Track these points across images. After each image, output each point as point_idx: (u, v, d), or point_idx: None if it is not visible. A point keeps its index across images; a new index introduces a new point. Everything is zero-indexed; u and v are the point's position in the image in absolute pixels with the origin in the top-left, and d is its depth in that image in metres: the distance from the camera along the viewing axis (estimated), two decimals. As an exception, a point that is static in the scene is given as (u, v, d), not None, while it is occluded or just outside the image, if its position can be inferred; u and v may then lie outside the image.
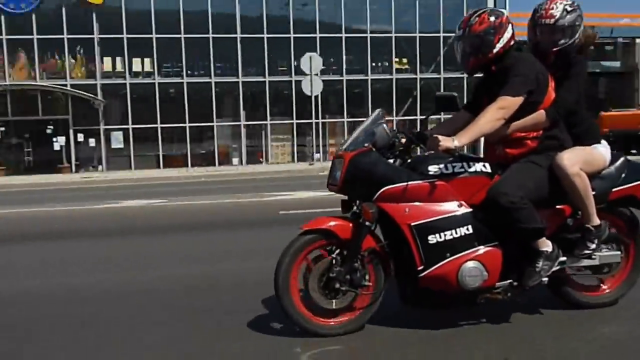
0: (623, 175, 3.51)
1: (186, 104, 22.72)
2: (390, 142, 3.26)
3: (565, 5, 3.37)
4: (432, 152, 3.14)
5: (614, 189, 3.48)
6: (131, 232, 7.48)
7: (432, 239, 3.14)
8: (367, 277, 3.26)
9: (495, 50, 3.24)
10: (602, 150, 3.45)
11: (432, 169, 3.20)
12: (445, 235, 3.15)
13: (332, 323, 3.25)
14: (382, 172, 3.16)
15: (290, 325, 3.26)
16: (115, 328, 3.60)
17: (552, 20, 3.35)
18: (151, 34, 22.16)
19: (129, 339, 3.41)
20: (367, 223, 3.18)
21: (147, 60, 22.72)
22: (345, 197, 3.36)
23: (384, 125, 3.27)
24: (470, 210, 3.20)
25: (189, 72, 22.85)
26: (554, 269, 3.33)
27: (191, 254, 5.81)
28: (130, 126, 22.43)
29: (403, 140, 3.28)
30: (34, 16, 21.50)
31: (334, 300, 3.22)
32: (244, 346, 3.20)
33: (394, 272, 3.35)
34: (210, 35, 22.61)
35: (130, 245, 6.56)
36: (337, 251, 3.22)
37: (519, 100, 3.15)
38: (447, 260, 3.16)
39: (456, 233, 3.17)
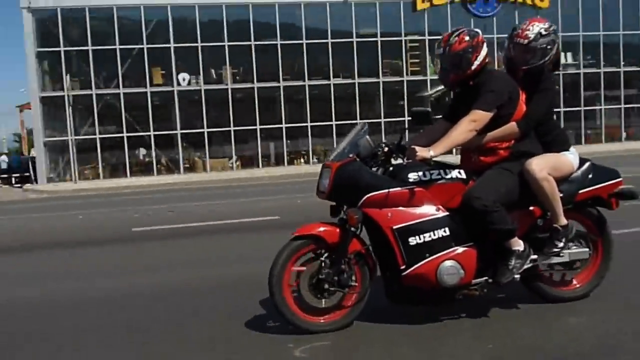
0: (589, 178, 3.80)
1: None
2: (373, 153, 3.54)
3: (542, 28, 3.65)
4: (410, 160, 3.41)
5: (580, 191, 3.77)
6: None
7: (413, 240, 3.42)
8: (353, 277, 3.53)
9: (473, 67, 3.53)
10: (570, 157, 3.73)
11: (412, 176, 3.48)
12: (424, 237, 3.43)
13: (322, 321, 3.53)
14: (366, 180, 3.43)
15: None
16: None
17: (526, 41, 3.64)
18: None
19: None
20: (352, 228, 3.46)
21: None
22: (333, 203, 3.64)
23: (367, 137, 3.55)
24: (447, 213, 3.48)
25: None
26: (526, 266, 3.61)
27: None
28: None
29: (385, 151, 3.55)
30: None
31: (323, 300, 3.50)
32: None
33: (380, 271, 3.62)
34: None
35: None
36: (326, 254, 3.49)
37: (490, 114, 3.44)
38: (426, 260, 3.43)
39: (434, 235, 3.44)
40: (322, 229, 3.50)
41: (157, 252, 6.79)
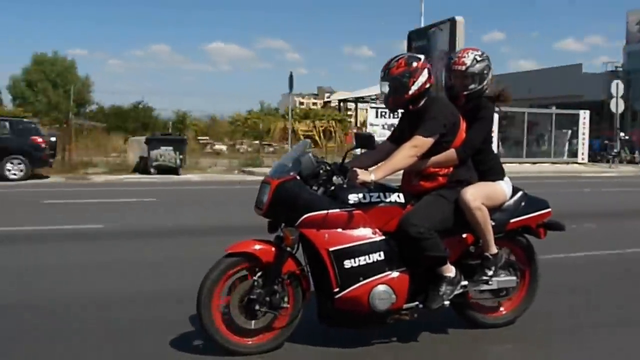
0: (521, 207, 3.91)
1: None
2: (314, 172, 3.49)
3: (476, 55, 3.76)
4: (351, 182, 3.38)
5: (511, 220, 3.86)
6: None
7: (348, 263, 3.38)
8: (285, 299, 3.45)
9: (410, 92, 3.54)
10: (504, 186, 3.82)
11: (352, 198, 3.45)
12: (359, 260, 3.40)
13: (250, 342, 3.42)
14: (305, 199, 3.37)
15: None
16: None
17: (464, 67, 3.72)
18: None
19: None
20: (288, 248, 3.39)
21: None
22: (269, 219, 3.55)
23: (310, 154, 3.50)
24: (383, 237, 3.47)
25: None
26: (456, 292, 3.65)
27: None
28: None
29: (327, 170, 3.51)
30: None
31: (253, 321, 3.40)
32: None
33: (314, 292, 3.57)
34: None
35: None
36: (259, 273, 3.39)
37: (431, 140, 3.47)
38: (360, 283, 3.40)
39: (369, 258, 3.42)
40: (257, 246, 3.41)
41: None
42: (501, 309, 4.03)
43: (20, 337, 3.74)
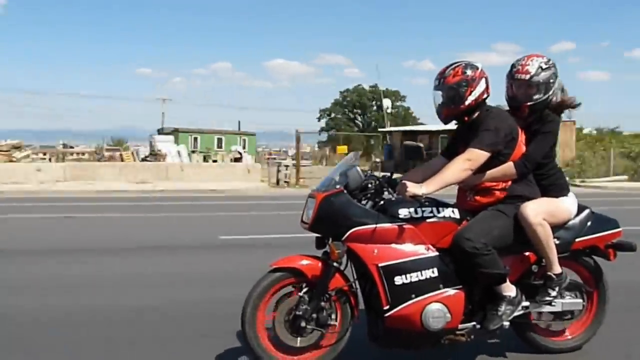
0: (587, 226, 3.63)
1: None
2: (363, 185, 3.37)
3: (541, 62, 3.51)
4: (400, 196, 3.24)
5: (577, 239, 3.59)
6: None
7: (399, 280, 3.23)
8: (333, 316, 3.32)
9: (467, 103, 3.37)
10: (568, 203, 3.57)
11: (403, 212, 3.31)
12: (411, 276, 3.24)
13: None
14: (352, 213, 3.25)
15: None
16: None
17: (528, 76, 3.49)
18: None
19: None
20: (335, 263, 3.27)
21: None
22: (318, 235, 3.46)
23: (357, 168, 3.38)
24: (436, 253, 3.30)
25: None
26: (517, 313, 3.42)
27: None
28: None
29: (375, 184, 3.39)
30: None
31: (299, 338, 3.28)
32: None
33: (365, 309, 3.43)
34: None
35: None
36: (306, 289, 3.29)
37: (486, 154, 3.28)
38: (412, 301, 3.24)
39: (422, 275, 3.25)
40: (303, 262, 3.31)
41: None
42: (566, 333, 3.75)
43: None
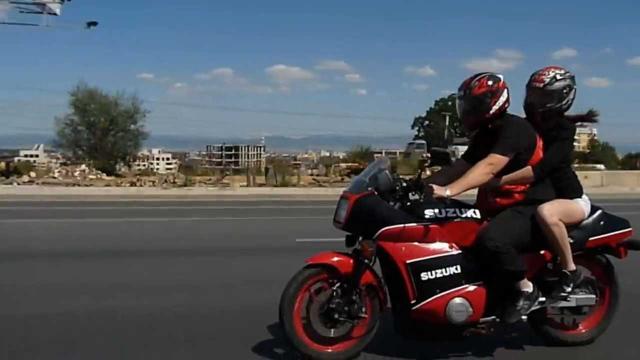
0: (600, 226, 3.88)
1: None
2: (391, 187, 3.62)
3: (557, 73, 3.78)
4: (427, 198, 3.50)
5: (590, 238, 3.84)
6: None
7: (425, 276, 3.48)
8: (363, 309, 3.57)
9: (491, 112, 3.63)
10: (582, 204, 3.81)
11: (428, 213, 3.56)
12: (436, 273, 3.49)
13: (330, 350, 3.56)
14: (383, 213, 3.51)
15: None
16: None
17: (541, 85, 3.76)
18: None
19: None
20: (365, 260, 3.53)
21: None
22: (348, 233, 3.71)
23: (387, 171, 3.64)
24: (460, 251, 3.55)
25: None
26: (533, 308, 3.66)
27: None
28: None
29: (403, 186, 3.64)
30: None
31: (332, 329, 3.54)
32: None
33: (391, 304, 3.68)
34: None
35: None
36: (338, 284, 3.54)
37: (507, 158, 3.53)
38: (436, 295, 3.49)
39: (446, 272, 3.51)
40: (335, 258, 3.56)
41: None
42: (580, 327, 3.98)
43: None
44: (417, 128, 71.04)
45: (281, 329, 3.53)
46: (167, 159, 77.28)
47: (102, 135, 35.98)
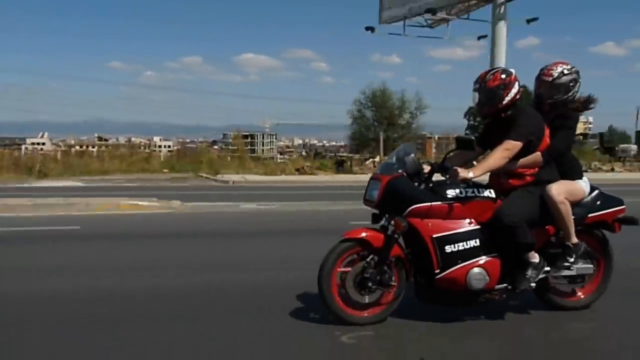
0: (597, 204, 4.37)
1: None
2: (417, 170, 4.05)
3: (564, 68, 4.24)
4: (452, 179, 3.94)
5: (589, 215, 4.34)
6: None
7: (448, 248, 3.94)
8: (393, 278, 4.03)
9: (504, 102, 4.07)
10: (583, 184, 4.30)
11: (450, 192, 4.01)
12: (458, 246, 3.95)
13: (366, 314, 4.01)
14: (412, 193, 3.95)
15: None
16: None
17: (550, 79, 4.22)
18: None
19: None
20: (395, 235, 3.96)
21: None
22: (376, 211, 4.14)
23: (413, 155, 4.07)
24: (478, 227, 4.01)
25: None
26: (540, 276, 4.15)
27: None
28: None
29: (427, 169, 4.08)
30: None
31: (366, 296, 3.99)
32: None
33: (414, 275, 4.13)
34: None
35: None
36: (371, 256, 3.98)
37: (520, 144, 3.99)
38: (458, 266, 3.95)
39: (467, 244, 3.97)
40: (368, 233, 3.99)
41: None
42: (579, 293, 4.50)
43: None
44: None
45: (320, 296, 3.96)
46: (168, 146, 77.20)
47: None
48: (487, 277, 4.00)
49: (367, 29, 21.04)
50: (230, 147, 30.83)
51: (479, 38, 22.04)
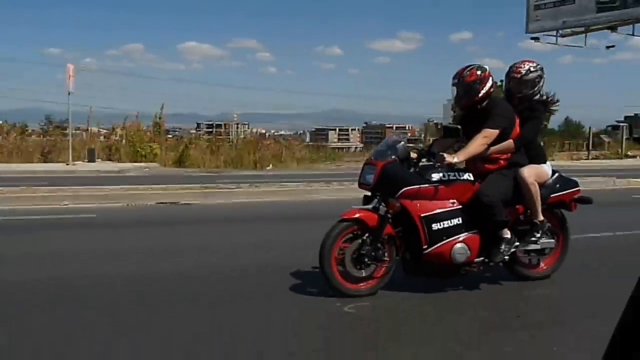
0: (557, 186, 4.97)
1: None
2: (406, 155, 4.49)
3: (531, 66, 4.80)
4: (438, 164, 4.40)
5: (551, 195, 4.92)
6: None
7: (435, 226, 4.41)
8: (385, 254, 4.46)
9: (480, 95, 4.57)
10: (546, 168, 4.89)
11: (435, 176, 4.47)
12: (443, 224, 4.43)
13: (362, 287, 4.43)
14: (404, 177, 4.39)
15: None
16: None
17: (519, 75, 4.76)
18: None
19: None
20: (388, 214, 4.39)
21: None
22: (368, 193, 4.55)
23: (403, 142, 4.51)
24: (460, 207, 4.50)
25: None
26: (512, 250, 4.70)
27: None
28: None
29: (415, 155, 4.53)
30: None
31: (363, 270, 4.40)
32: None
33: (402, 251, 4.57)
34: None
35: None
36: (367, 234, 4.39)
37: (497, 132, 4.50)
38: (444, 242, 4.43)
39: (451, 222, 4.45)
40: (363, 214, 4.40)
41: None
42: (542, 264, 5.09)
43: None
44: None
45: (321, 273, 4.33)
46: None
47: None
48: (469, 252, 4.50)
49: (532, 39, 23.58)
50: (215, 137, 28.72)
51: (607, 47, 23.89)
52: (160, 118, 23.40)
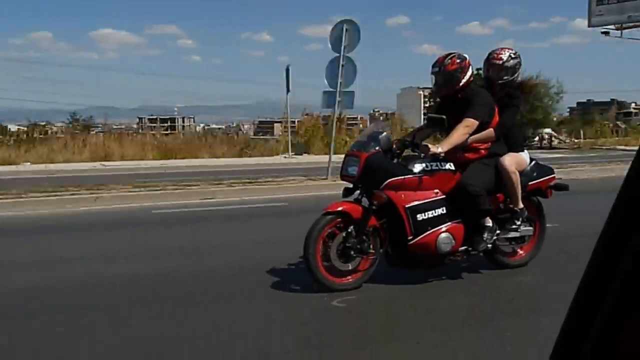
0: (534, 173, 5.02)
1: None
2: (390, 147, 4.44)
3: (510, 53, 4.82)
4: (422, 155, 4.36)
5: (530, 183, 4.97)
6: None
7: (420, 216, 4.37)
8: (370, 246, 4.40)
9: (461, 84, 4.55)
10: (525, 156, 4.93)
11: (418, 167, 4.44)
12: (428, 214, 4.40)
13: (349, 280, 4.36)
14: (388, 168, 4.33)
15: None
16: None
17: (500, 62, 4.77)
18: None
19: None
20: (373, 206, 4.33)
21: None
22: (349, 185, 4.48)
23: (386, 133, 4.45)
24: (443, 197, 4.48)
25: None
26: (494, 238, 4.72)
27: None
28: None
29: (399, 146, 4.48)
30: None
31: (349, 264, 4.33)
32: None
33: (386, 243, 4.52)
34: None
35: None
36: (352, 227, 4.31)
37: (478, 121, 4.50)
38: (429, 232, 4.40)
39: (435, 212, 4.43)
40: (347, 206, 4.33)
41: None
42: (520, 252, 5.14)
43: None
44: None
45: (305, 265, 4.24)
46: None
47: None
48: (453, 241, 4.49)
49: (602, 32, 25.81)
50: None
51: None
52: None
